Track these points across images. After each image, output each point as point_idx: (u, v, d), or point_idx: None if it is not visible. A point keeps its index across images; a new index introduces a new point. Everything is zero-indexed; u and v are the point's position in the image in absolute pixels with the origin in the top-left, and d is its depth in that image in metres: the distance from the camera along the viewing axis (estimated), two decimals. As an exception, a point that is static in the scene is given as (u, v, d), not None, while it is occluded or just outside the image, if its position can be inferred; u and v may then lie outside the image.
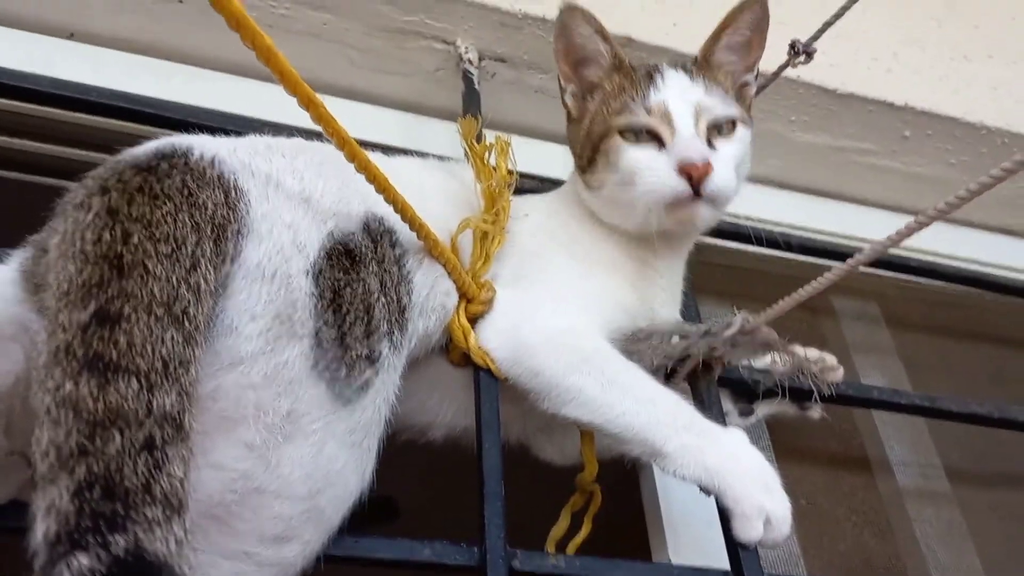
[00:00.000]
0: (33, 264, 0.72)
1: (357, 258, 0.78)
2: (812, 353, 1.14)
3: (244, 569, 0.68)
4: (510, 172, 1.01)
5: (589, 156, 1.03)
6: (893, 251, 1.43)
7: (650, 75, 1.02)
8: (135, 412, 0.57)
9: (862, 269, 1.49)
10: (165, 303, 0.62)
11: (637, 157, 0.97)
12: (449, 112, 1.41)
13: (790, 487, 1.22)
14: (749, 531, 0.85)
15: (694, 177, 0.94)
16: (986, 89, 1.62)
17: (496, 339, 0.92)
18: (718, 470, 0.85)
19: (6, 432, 0.71)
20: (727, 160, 0.97)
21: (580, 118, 1.06)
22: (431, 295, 0.90)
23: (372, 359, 0.76)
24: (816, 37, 1.14)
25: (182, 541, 0.56)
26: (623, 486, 1.10)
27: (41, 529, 0.53)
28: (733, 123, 1.01)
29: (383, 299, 0.79)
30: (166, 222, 0.66)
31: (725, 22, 1.05)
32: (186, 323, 0.62)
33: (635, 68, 1.04)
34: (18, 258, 0.74)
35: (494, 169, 1.02)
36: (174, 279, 0.63)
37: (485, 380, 0.93)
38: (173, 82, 1.29)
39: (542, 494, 1.04)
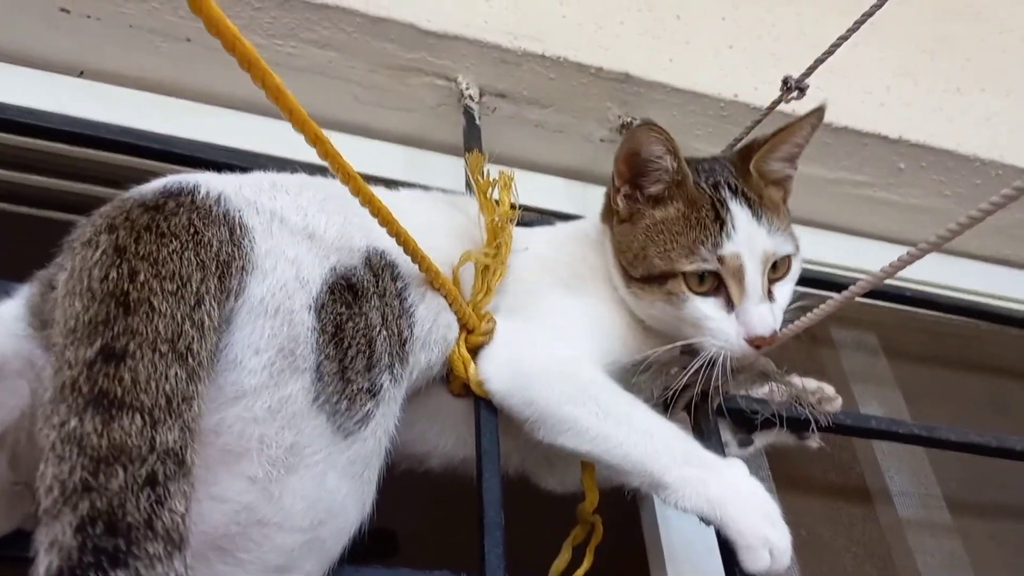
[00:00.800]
0: (40, 300, 0.73)
1: (359, 292, 0.80)
2: (810, 383, 1.14)
3: None
4: (513, 207, 1.03)
5: (643, 276, 1.00)
6: (891, 282, 1.46)
7: (718, 215, 0.98)
8: (138, 448, 0.58)
9: (860, 300, 1.51)
10: (170, 340, 0.63)
11: (706, 313, 0.97)
12: (450, 146, 1.44)
13: (790, 518, 1.22)
14: (757, 562, 0.85)
15: (760, 347, 0.96)
16: (979, 121, 1.64)
17: (493, 369, 0.93)
18: (720, 502, 0.86)
19: (11, 464, 0.72)
20: (783, 304, 0.99)
21: (631, 220, 1.03)
22: (433, 328, 0.91)
23: (373, 392, 0.77)
24: (808, 74, 1.16)
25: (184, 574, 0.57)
26: (624, 517, 1.10)
27: (44, 564, 0.54)
28: (789, 259, 1.01)
29: (384, 332, 0.81)
30: (172, 260, 0.68)
31: (786, 134, 1.03)
32: (190, 359, 0.64)
33: (701, 196, 1.00)
34: (25, 293, 0.76)
35: (497, 203, 1.04)
36: (179, 316, 0.65)
37: (485, 410, 0.94)
38: (181, 118, 1.31)
39: (543, 526, 1.05)
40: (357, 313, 0.78)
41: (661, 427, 0.90)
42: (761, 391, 1.13)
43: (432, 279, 0.89)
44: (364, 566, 0.81)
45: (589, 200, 1.48)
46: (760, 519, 0.86)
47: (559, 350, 0.95)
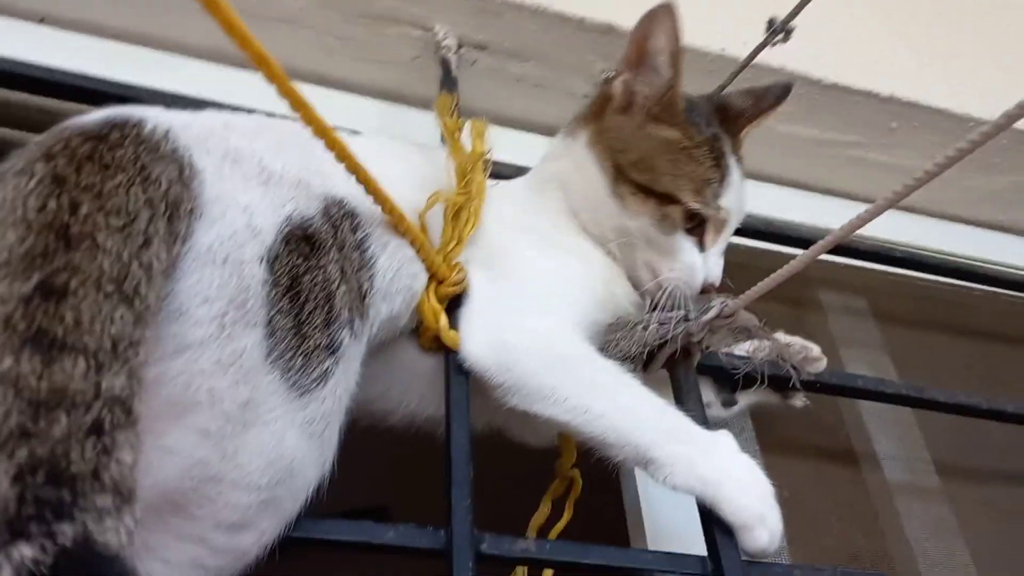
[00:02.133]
0: None
1: (317, 244, 0.75)
2: (795, 341, 1.11)
3: (199, 552, 0.65)
4: (484, 154, 0.98)
5: (643, 185, 0.99)
6: (880, 242, 1.43)
7: (719, 164, 1.01)
8: (83, 393, 0.53)
9: (850, 263, 1.48)
10: (115, 279, 0.58)
11: (686, 248, 1.00)
12: (427, 101, 1.39)
13: (774, 479, 1.19)
14: (756, 540, 0.82)
15: (704, 292, 1.00)
16: (975, 80, 1.60)
17: (471, 337, 0.89)
18: (714, 480, 0.83)
19: None
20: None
21: (627, 114, 1.03)
22: (396, 278, 0.87)
23: (332, 349, 0.73)
24: (794, 14, 1.12)
25: (132, 532, 0.52)
26: (603, 472, 1.07)
27: None
28: None
29: (344, 287, 0.76)
30: (117, 194, 0.63)
31: (772, 111, 1.13)
32: (137, 302, 0.59)
33: (699, 136, 1.01)
34: None
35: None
36: (125, 255, 0.60)
37: (455, 363, 0.90)
38: (146, 68, 1.27)
39: (522, 483, 1.02)
40: (315, 266, 0.74)
41: (647, 401, 0.87)
42: (743, 348, 1.10)
43: (396, 223, 0.84)
44: (324, 519, 0.77)
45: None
46: (755, 498, 0.84)
47: (537, 318, 0.91)
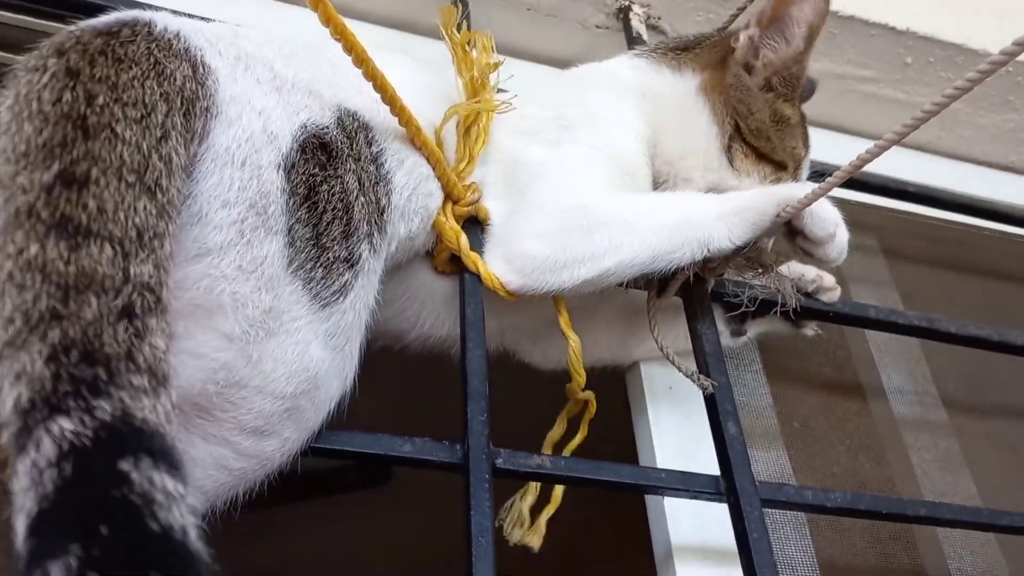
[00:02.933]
0: None
1: (333, 153, 0.75)
2: (809, 271, 1.11)
3: (224, 453, 0.66)
4: (493, 66, 0.97)
5: (759, 151, 1.02)
6: (891, 179, 1.41)
7: (808, 141, 1.09)
8: (111, 278, 0.53)
9: (860, 199, 1.47)
10: (136, 170, 0.58)
11: None
12: (438, 32, 1.37)
13: (783, 411, 1.20)
14: (827, 225, 0.90)
15: None
16: (991, 16, 1.57)
17: (500, 267, 0.89)
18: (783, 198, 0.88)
19: None
20: None
21: (750, 73, 1.04)
22: (413, 196, 0.86)
23: (351, 262, 0.73)
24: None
25: (170, 413, 0.52)
26: (612, 395, 1.08)
27: (11, 398, 0.48)
28: None
29: (362, 199, 0.76)
30: (133, 86, 0.62)
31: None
32: (159, 194, 0.58)
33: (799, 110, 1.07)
34: None
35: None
36: (144, 147, 0.59)
37: (470, 282, 0.90)
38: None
39: (538, 403, 1.02)
40: (332, 175, 0.73)
41: (679, 200, 0.94)
42: (755, 278, 1.09)
43: (413, 136, 0.84)
44: (343, 430, 0.78)
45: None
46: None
47: (548, 219, 0.90)
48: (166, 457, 0.48)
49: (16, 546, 0.43)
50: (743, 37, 1.03)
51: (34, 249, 0.52)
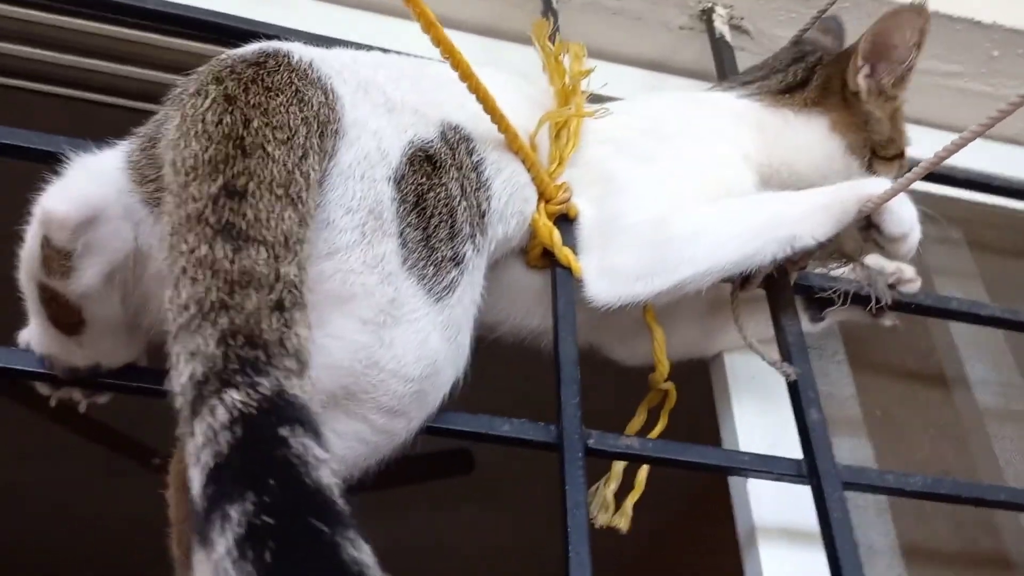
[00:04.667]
0: (140, 154, 0.77)
1: (437, 164, 0.84)
2: (889, 264, 1.13)
3: (361, 428, 0.75)
4: (584, 74, 1.03)
5: (884, 158, 1.10)
6: (977, 172, 1.42)
7: None
8: (266, 276, 0.63)
9: (944, 193, 1.47)
10: (283, 185, 0.68)
11: None
12: (526, 37, 1.43)
13: (866, 399, 1.23)
14: (903, 224, 0.95)
15: None
16: (1082, 6, 1.56)
17: (590, 276, 0.95)
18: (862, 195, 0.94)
19: (123, 301, 0.77)
20: None
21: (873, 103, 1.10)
22: (510, 202, 0.94)
23: (457, 261, 0.82)
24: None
25: (310, 392, 0.60)
26: (696, 382, 1.12)
27: (187, 371, 0.57)
28: None
29: (464, 203, 0.85)
30: (280, 112, 0.72)
31: None
32: (300, 205, 0.68)
33: None
34: (124, 147, 0.80)
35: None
36: (289, 164, 0.69)
37: (562, 276, 0.96)
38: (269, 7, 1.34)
39: (621, 395, 1.07)
40: (437, 184, 0.82)
41: (756, 204, 0.98)
42: (837, 270, 1.13)
43: (511, 141, 0.91)
44: (446, 410, 0.85)
45: (665, 92, 1.46)
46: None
47: (636, 224, 0.96)
48: (312, 427, 0.55)
49: (193, 492, 0.51)
50: (862, 83, 1.08)
51: (204, 249, 0.62)
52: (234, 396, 0.54)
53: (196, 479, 0.52)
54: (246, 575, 0.45)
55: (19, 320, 0.82)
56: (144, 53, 1.34)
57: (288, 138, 0.70)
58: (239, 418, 0.53)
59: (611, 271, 0.94)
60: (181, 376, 0.57)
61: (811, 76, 1.12)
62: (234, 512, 0.48)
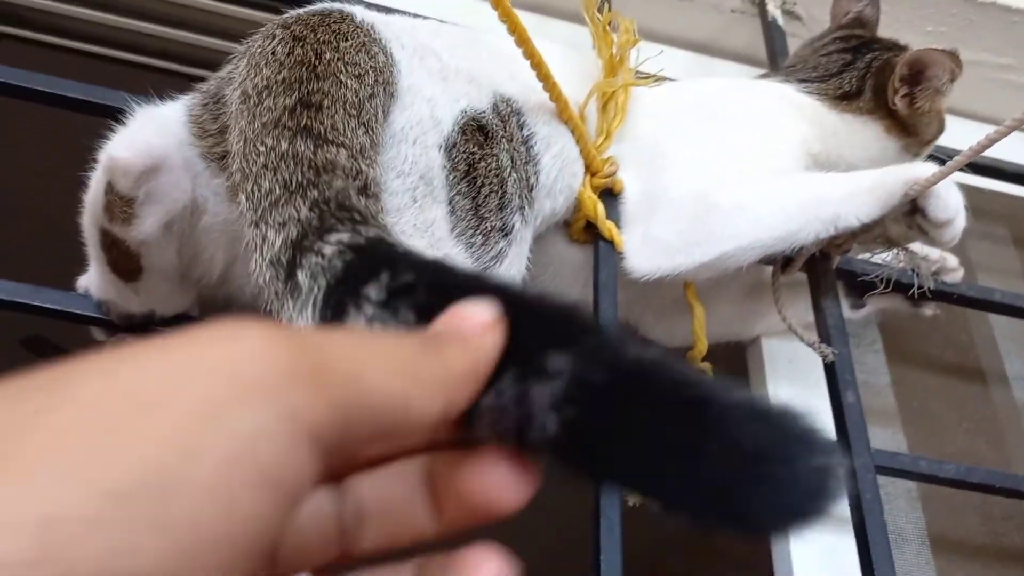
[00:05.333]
0: (201, 109, 0.79)
1: (489, 135, 0.85)
2: (932, 252, 1.13)
3: None
4: (632, 44, 1.03)
5: (933, 140, 1.14)
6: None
7: None
8: (350, 167, 0.64)
9: (991, 187, 1.46)
10: (356, 107, 0.70)
11: None
12: (576, 15, 1.44)
13: (901, 390, 1.23)
14: (949, 209, 0.95)
15: None
16: None
17: (632, 247, 0.96)
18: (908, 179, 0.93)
19: (179, 252, 0.80)
20: None
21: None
22: (559, 177, 0.95)
23: (505, 232, 0.83)
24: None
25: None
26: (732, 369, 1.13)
27: (278, 239, 0.57)
28: None
29: (515, 175, 0.85)
30: (350, 52, 0.74)
31: None
32: (371, 131, 0.70)
33: None
34: (186, 101, 0.82)
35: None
36: (361, 94, 0.71)
37: (604, 249, 0.97)
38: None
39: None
40: (489, 154, 0.83)
41: (804, 183, 0.98)
42: (880, 257, 1.12)
43: (561, 110, 0.91)
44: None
45: (715, 76, 1.46)
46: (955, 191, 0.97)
47: (679, 196, 0.97)
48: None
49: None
50: (900, 104, 1.09)
51: (285, 145, 0.64)
52: (341, 236, 0.52)
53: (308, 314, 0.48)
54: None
55: (79, 267, 0.85)
56: (201, 19, 1.37)
57: (360, 74, 0.71)
58: (350, 247, 0.50)
59: (653, 242, 0.95)
60: (272, 246, 0.57)
61: (864, 85, 1.13)
62: (371, 290, 0.40)
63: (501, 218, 0.82)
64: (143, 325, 0.83)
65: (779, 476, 0.28)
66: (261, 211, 0.60)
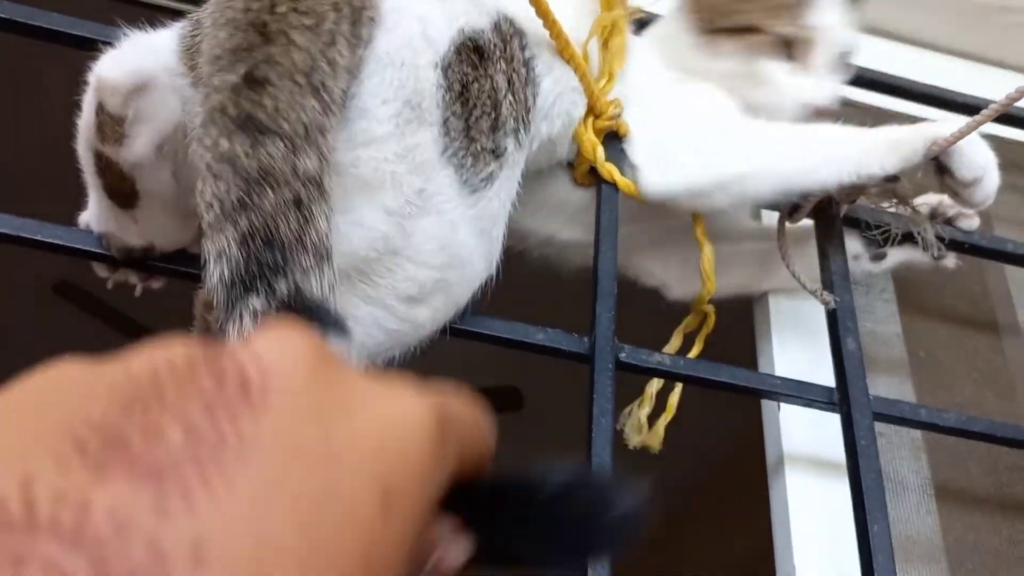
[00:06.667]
0: (190, 40, 0.78)
1: (486, 55, 0.84)
2: (948, 200, 1.11)
3: (381, 315, 0.77)
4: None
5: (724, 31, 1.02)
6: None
7: None
8: (283, 173, 0.64)
9: (1014, 136, 1.42)
10: (305, 72, 0.68)
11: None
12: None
13: (911, 340, 1.21)
14: (975, 168, 0.93)
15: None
16: None
17: (645, 170, 0.96)
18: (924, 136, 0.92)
19: (174, 176, 0.80)
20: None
21: None
22: (557, 101, 0.95)
23: (497, 153, 0.83)
24: None
25: (333, 285, 0.64)
26: (735, 312, 1.12)
27: (216, 272, 0.62)
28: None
29: (511, 97, 0.85)
30: None
31: None
32: (323, 94, 0.69)
33: None
34: (177, 30, 0.81)
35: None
36: (314, 51, 0.70)
37: (606, 191, 0.97)
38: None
39: (656, 320, 1.08)
40: (483, 75, 0.83)
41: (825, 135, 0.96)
42: (891, 207, 1.10)
43: (562, 48, 0.90)
44: (483, 315, 0.87)
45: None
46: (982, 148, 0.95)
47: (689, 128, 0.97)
48: (335, 323, 0.60)
49: None
50: None
51: (224, 144, 0.64)
52: (254, 303, 0.59)
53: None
54: None
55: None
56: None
57: (315, 24, 0.70)
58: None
59: (669, 159, 0.95)
60: (212, 276, 0.62)
61: None
62: None
63: (493, 140, 0.82)
64: (143, 259, 0.83)
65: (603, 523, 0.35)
66: (207, 226, 0.63)
